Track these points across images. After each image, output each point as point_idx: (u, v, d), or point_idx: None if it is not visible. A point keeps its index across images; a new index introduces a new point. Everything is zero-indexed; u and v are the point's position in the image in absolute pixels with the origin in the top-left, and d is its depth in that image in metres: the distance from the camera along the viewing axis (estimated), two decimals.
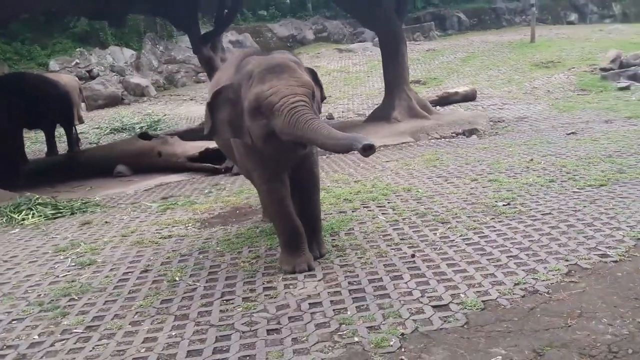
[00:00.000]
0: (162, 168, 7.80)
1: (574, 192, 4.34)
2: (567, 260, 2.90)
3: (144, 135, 8.47)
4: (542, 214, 3.79)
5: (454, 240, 3.42)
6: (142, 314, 2.78)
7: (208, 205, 5.20)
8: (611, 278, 2.65)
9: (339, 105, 15.20)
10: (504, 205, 4.12)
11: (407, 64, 10.74)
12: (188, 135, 9.02)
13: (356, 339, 2.25)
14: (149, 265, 3.52)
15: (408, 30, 27.10)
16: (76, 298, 3.07)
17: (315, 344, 2.24)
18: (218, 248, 3.74)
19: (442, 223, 3.79)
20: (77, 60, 19.96)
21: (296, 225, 3.22)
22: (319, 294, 2.76)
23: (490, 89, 14.74)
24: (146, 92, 20.01)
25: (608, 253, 2.95)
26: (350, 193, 5.02)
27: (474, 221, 3.76)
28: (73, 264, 3.71)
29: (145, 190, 6.79)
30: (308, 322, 2.44)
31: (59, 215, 5.58)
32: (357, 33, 28.00)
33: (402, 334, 2.27)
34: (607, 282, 2.60)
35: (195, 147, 7.86)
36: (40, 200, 6.02)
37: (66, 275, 3.50)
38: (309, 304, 2.64)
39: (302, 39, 26.59)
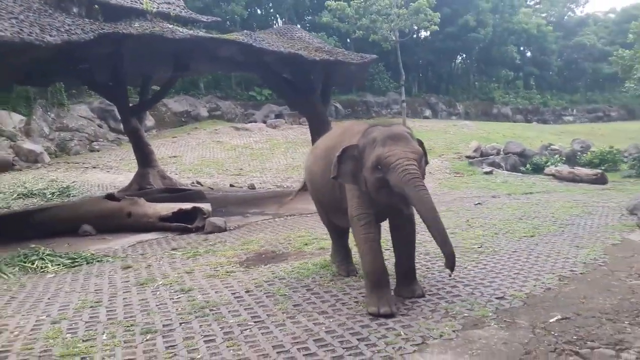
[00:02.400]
0: (130, 227, 8.20)
1: (517, 240, 6.04)
2: (553, 273, 4.44)
3: (110, 197, 8.81)
4: (511, 251, 5.38)
5: (472, 266, 4.80)
6: (287, 313, 3.66)
7: (231, 252, 5.97)
8: (586, 281, 4.22)
9: (253, 178, 16.35)
10: (479, 247, 5.65)
11: None
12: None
13: (466, 313, 3.46)
14: (247, 289, 4.33)
15: (294, 115, 29.79)
16: (215, 309, 3.81)
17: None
18: (291, 276, 4.67)
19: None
20: None
21: (384, 268, 3.80)
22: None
23: None
24: (40, 159, 19.19)
25: (574, 270, 4.56)
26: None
27: (470, 257, 5.21)
28: (174, 290, 4.35)
29: (130, 246, 7.18)
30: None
31: (76, 264, 5.89)
32: (248, 114, 29.85)
33: (496, 309, 3.55)
34: (586, 283, 4.16)
35: (166, 207, 8.44)
36: (48, 252, 6.25)
37: (179, 298, 4.16)
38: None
39: (197, 116, 27.58)
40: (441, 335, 3.12)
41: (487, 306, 3.63)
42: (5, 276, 5.46)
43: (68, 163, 19.38)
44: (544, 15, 41.76)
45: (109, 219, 8.33)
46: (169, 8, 9.60)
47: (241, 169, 18.18)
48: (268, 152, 20.93)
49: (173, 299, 4.16)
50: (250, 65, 11.75)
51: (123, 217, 8.33)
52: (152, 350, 3.10)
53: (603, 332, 3.13)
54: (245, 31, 10.75)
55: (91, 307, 4.05)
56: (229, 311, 3.77)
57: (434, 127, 26.62)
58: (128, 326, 3.53)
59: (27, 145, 19.41)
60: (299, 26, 12.04)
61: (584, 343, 2.97)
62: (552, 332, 3.14)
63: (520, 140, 20.58)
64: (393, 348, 2.94)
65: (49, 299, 4.37)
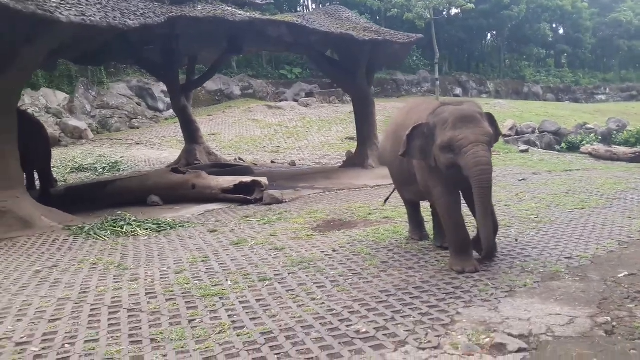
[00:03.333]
0: (194, 199, 8.79)
1: (569, 211, 6.43)
2: (612, 239, 4.86)
3: (175, 170, 9.42)
4: (567, 221, 5.79)
5: (534, 234, 5.25)
6: (378, 267, 4.18)
7: (301, 219, 6.50)
8: None
9: (291, 155, 16.85)
10: (535, 217, 6.07)
11: (376, 121, 12.83)
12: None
13: (540, 269, 3.92)
14: (333, 248, 4.85)
15: (325, 94, 30.15)
16: (313, 264, 4.34)
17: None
18: (368, 240, 5.17)
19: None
20: None
21: (467, 234, 4.09)
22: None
23: None
24: (84, 135, 20.05)
25: (631, 236, 4.97)
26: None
27: (529, 226, 5.63)
28: (269, 249, 4.91)
29: (200, 214, 7.76)
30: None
31: (162, 229, 6.50)
32: (279, 92, 30.29)
33: (567, 266, 4.01)
34: None
35: (228, 180, 9.00)
36: (133, 218, 6.89)
37: (276, 254, 4.71)
38: None
39: (230, 94, 28.12)
40: (525, 285, 3.59)
41: (557, 264, 4.09)
42: (102, 239, 6.10)
43: (111, 139, 20.20)
44: None
45: (175, 190, 8.93)
46: None
47: (278, 146, 18.68)
48: (303, 130, 21.38)
49: (271, 255, 4.71)
50: (298, 46, 12.15)
51: (188, 188, 8.93)
52: (275, 293, 3.65)
53: None
54: (297, 12, 11.12)
55: (202, 261, 4.63)
56: (325, 265, 4.30)
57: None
58: (244, 275, 4.09)
59: (72, 122, 20.25)
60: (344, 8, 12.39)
61: None
62: (622, 285, 3.58)
63: (553, 119, 20.60)
64: (486, 294, 3.43)
65: (158, 255, 4.97)
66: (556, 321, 2.93)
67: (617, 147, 14.96)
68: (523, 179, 9.86)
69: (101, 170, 14.27)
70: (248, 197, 8.65)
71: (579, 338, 2.72)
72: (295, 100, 28.44)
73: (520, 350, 2.58)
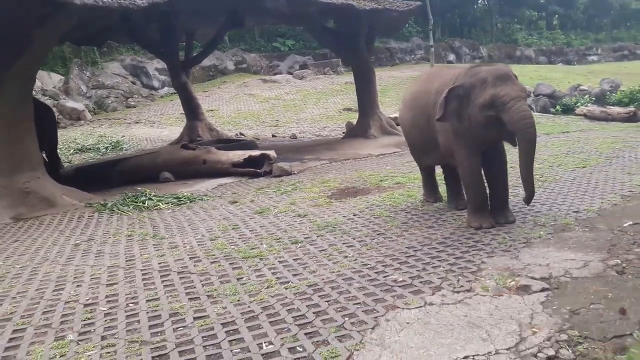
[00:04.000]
0: (205, 174, 9.02)
1: (572, 170, 6.71)
2: (615, 193, 5.17)
3: (185, 146, 9.63)
4: (570, 179, 6.09)
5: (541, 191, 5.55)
6: (400, 228, 4.47)
7: (316, 189, 6.77)
8: None
9: (290, 128, 17.03)
10: (540, 177, 6.38)
11: (377, 90, 13.00)
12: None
13: (552, 223, 4.23)
14: (354, 213, 5.15)
15: (319, 65, 30.08)
16: (337, 227, 4.63)
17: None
18: (385, 204, 5.46)
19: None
20: None
21: (485, 194, 4.35)
22: None
23: None
24: (82, 116, 20.10)
25: (632, 190, 5.28)
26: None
27: (542, 182, 5.94)
28: (292, 216, 5.20)
29: (213, 188, 8.01)
30: None
31: (182, 202, 6.75)
32: (273, 65, 30.19)
33: (576, 219, 4.32)
34: None
35: (238, 155, 9.22)
36: (153, 193, 7.14)
37: (301, 220, 5.00)
38: None
39: (224, 69, 28.03)
40: (539, 237, 3.91)
41: (567, 217, 4.40)
42: (126, 213, 6.35)
43: (109, 119, 20.25)
44: None
45: (186, 166, 9.15)
46: None
47: (277, 120, 18.82)
48: (300, 103, 21.49)
49: (296, 221, 5.00)
50: (296, 17, 12.23)
51: (199, 164, 9.15)
52: (309, 253, 3.94)
53: None
54: None
55: (232, 229, 4.91)
56: (350, 228, 4.59)
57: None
58: (277, 239, 4.38)
59: (70, 103, 20.26)
60: None
61: None
62: (628, 233, 3.90)
63: (547, 82, 20.80)
64: (506, 245, 3.74)
65: (189, 225, 5.24)
66: (572, 265, 3.24)
67: (612, 107, 15.24)
68: None
69: (104, 150, 14.41)
70: (258, 170, 8.88)
71: (594, 278, 3.03)
72: (290, 73, 28.41)
73: (543, 289, 2.89)
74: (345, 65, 30.27)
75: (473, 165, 4.34)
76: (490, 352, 2.23)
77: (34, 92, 19.39)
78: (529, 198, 4.20)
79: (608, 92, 18.19)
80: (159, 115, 20.46)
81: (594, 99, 17.32)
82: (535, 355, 2.19)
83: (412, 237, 4.16)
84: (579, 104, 16.59)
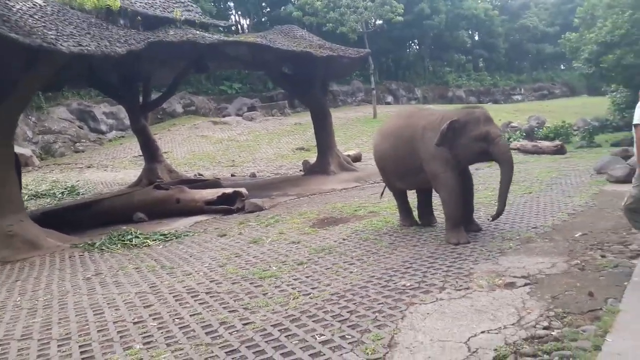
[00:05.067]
0: (178, 213, 9.32)
1: (520, 196, 7.66)
2: (562, 212, 6.07)
3: (157, 186, 9.90)
4: (522, 203, 7.00)
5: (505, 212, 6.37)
6: (389, 248, 5.09)
7: (297, 220, 7.30)
8: (587, 215, 5.87)
9: (247, 168, 17.51)
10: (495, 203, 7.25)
11: (333, 131, 13.81)
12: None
13: (517, 237, 4.99)
14: (342, 238, 5.71)
15: (267, 107, 30.98)
16: (332, 250, 5.18)
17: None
18: (367, 229, 6.08)
19: None
20: None
21: (462, 212, 5.20)
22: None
23: (367, 153, 18.64)
24: (30, 162, 19.68)
25: (575, 209, 6.21)
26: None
27: (493, 208, 6.77)
28: (286, 243, 5.69)
29: (191, 225, 8.35)
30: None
31: (169, 239, 7.07)
32: (221, 108, 30.73)
33: (535, 233, 5.12)
34: (587, 216, 5.82)
35: (211, 192, 9.62)
36: (139, 232, 7.41)
37: (296, 246, 5.50)
38: None
39: (172, 112, 28.24)
40: (510, 247, 4.65)
41: (528, 232, 5.20)
42: (117, 252, 6.60)
43: (58, 165, 19.92)
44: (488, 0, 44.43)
45: (159, 205, 9.40)
46: (189, 14, 10.66)
47: (233, 160, 19.25)
48: (253, 143, 22.05)
49: (292, 247, 5.50)
50: (255, 63, 12.95)
51: (172, 203, 9.43)
52: (317, 271, 4.46)
53: (611, 238, 4.75)
54: (259, 33, 11.92)
55: (235, 256, 5.34)
56: (344, 250, 5.16)
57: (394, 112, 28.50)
58: (282, 262, 4.86)
59: (16, 149, 19.71)
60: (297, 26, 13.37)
61: (603, 244, 4.56)
62: (580, 241, 4.72)
63: None
64: (485, 255, 4.44)
65: (190, 256, 5.61)
66: (543, 266, 3.97)
67: (542, 141, 16.84)
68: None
69: (60, 195, 14.22)
70: (231, 207, 9.27)
71: (562, 274, 3.77)
72: (239, 115, 29.02)
73: (526, 284, 3.58)
74: (292, 107, 31.37)
75: (455, 186, 5.17)
76: (499, 327, 2.86)
77: None
78: (500, 212, 5.12)
79: (536, 128, 20.04)
80: (111, 159, 20.34)
81: (524, 134, 19.01)
82: (534, 327, 2.83)
83: (403, 253, 4.78)
84: (511, 139, 18.15)
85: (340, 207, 8.02)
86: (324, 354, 2.71)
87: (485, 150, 5.06)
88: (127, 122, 26.15)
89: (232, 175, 16.04)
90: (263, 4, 36.75)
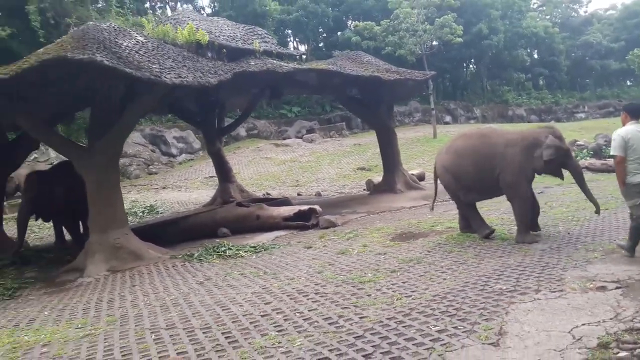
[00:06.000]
0: (257, 228, 9.94)
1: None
2: None
3: (239, 204, 10.62)
4: (600, 219, 7.10)
5: (578, 228, 6.56)
6: (475, 258, 5.41)
7: (375, 234, 7.71)
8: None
9: (312, 187, 18.12)
10: (573, 218, 7.41)
11: (399, 150, 14.21)
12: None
13: (600, 248, 5.20)
14: (427, 250, 6.09)
15: (325, 129, 31.76)
16: (420, 260, 5.57)
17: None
18: (449, 242, 6.42)
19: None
20: (36, 155, 20.65)
21: (530, 217, 6.10)
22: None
23: (430, 172, 18.84)
24: None
25: None
26: None
27: (571, 224, 6.95)
28: (373, 254, 6.13)
29: (273, 240, 8.92)
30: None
31: (259, 251, 7.67)
32: (282, 131, 31.82)
33: (616, 246, 5.31)
34: None
35: (288, 209, 10.22)
36: (231, 244, 8.07)
37: (384, 257, 5.93)
38: None
39: (236, 136, 29.49)
40: (596, 257, 4.89)
41: (610, 244, 5.40)
42: (214, 262, 7.24)
43: (134, 186, 21.30)
44: (548, 17, 43.81)
45: (241, 222, 10.08)
46: (266, 45, 11.46)
47: (297, 180, 19.94)
48: (315, 164, 22.75)
49: (380, 258, 5.93)
50: (323, 88, 13.62)
51: (253, 219, 10.09)
52: (411, 278, 4.87)
53: None
54: (329, 60, 12.60)
55: (329, 264, 5.83)
56: (432, 260, 5.53)
57: (460, 131, 28.54)
58: (375, 270, 5.30)
59: None
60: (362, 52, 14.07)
61: None
62: None
63: None
64: (573, 264, 4.71)
65: (286, 265, 6.15)
66: (632, 273, 4.21)
67: (610, 159, 16.52)
68: (541, 192, 11.22)
69: (141, 213, 15.28)
70: (306, 223, 9.81)
71: None
72: (299, 137, 29.98)
73: (617, 287, 3.85)
74: (349, 128, 32.04)
75: (528, 196, 6.07)
76: (599, 321, 3.17)
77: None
78: (598, 206, 5.85)
79: (603, 146, 19.60)
80: (183, 180, 21.54)
81: (592, 152, 18.66)
82: (632, 321, 3.13)
83: (491, 263, 5.11)
84: (579, 158, 17.88)
85: (416, 224, 8.37)
86: (442, 340, 3.12)
87: (564, 163, 5.79)
88: (196, 145, 27.80)
89: (299, 194, 16.66)
90: (320, 30, 37.89)
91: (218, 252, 7.76)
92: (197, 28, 9.73)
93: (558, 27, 41.10)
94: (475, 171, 6.22)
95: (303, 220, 9.91)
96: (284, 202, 12.43)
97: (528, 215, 6.00)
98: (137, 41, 8.42)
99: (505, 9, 36.48)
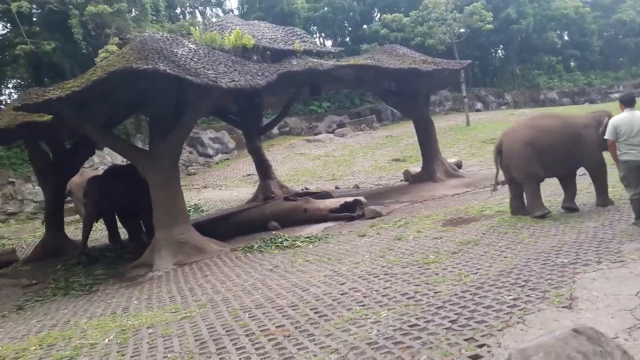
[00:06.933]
0: (305, 221, 10.34)
1: None
2: None
3: (286, 198, 11.07)
4: None
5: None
6: (530, 237, 5.69)
7: (425, 221, 8.01)
8: None
9: (348, 180, 18.46)
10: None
11: (437, 139, 14.42)
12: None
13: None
14: (482, 232, 6.38)
15: (355, 123, 32.01)
16: (477, 242, 5.87)
17: None
18: (501, 225, 6.69)
19: None
20: None
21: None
22: None
23: (467, 160, 18.96)
24: None
25: None
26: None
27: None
28: (429, 239, 6.46)
29: (323, 231, 9.29)
30: None
31: (314, 240, 8.07)
32: (312, 127, 32.23)
33: None
34: None
35: (334, 201, 10.60)
36: (287, 236, 8.53)
37: (441, 240, 6.25)
38: None
39: (269, 134, 29.91)
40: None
41: None
42: (274, 252, 7.69)
43: None
44: None
45: (289, 215, 10.52)
46: (305, 45, 11.85)
47: (333, 174, 20.31)
48: (349, 157, 23.07)
49: (437, 242, 6.25)
50: (359, 82, 13.93)
51: (300, 212, 10.51)
52: (473, 258, 5.19)
53: None
54: (366, 54, 12.92)
55: (389, 249, 6.19)
56: (489, 242, 5.83)
57: (494, 118, 28.38)
58: (435, 252, 5.64)
59: None
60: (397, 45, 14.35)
61: None
62: None
63: None
64: (627, 238, 4.95)
65: (346, 251, 6.54)
66: None
67: None
68: (583, 174, 11.31)
69: (188, 212, 15.85)
70: (352, 215, 10.18)
71: None
72: (329, 132, 30.33)
73: None
74: (380, 121, 32.25)
75: (605, 164, 6.79)
76: None
77: (106, 167, 21.41)
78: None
79: None
80: (222, 179, 22.19)
81: None
82: None
83: (547, 241, 5.39)
84: None
85: (464, 209, 8.63)
86: (519, 306, 3.46)
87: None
88: (231, 145, 28.49)
89: (337, 188, 16.96)
90: (345, 24, 38.08)
91: (276, 243, 8.22)
92: (242, 33, 10.17)
93: (589, 7, 40.23)
94: (562, 148, 6.72)
95: (348, 212, 10.28)
96: (325, 195, 12.80)
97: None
98: (190, 49, 8.90)
99: None
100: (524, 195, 7.10)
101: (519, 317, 3.26)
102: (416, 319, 3.55)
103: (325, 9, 33.09)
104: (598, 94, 38.85)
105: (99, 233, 13.57)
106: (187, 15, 32.33)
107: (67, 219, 13.85)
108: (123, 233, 11.86)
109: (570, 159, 6.86)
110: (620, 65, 42.02)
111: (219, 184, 21.27)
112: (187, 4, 32.26)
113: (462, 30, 29.79)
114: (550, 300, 3.48)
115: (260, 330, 3.81)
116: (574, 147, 6.76)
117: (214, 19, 33.03)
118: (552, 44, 37.76)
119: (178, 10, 30.92)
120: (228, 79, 8.31)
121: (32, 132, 10.13)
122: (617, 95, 38.86)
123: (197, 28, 10.83)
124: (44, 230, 11.92)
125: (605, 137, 5.76)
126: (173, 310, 4.97)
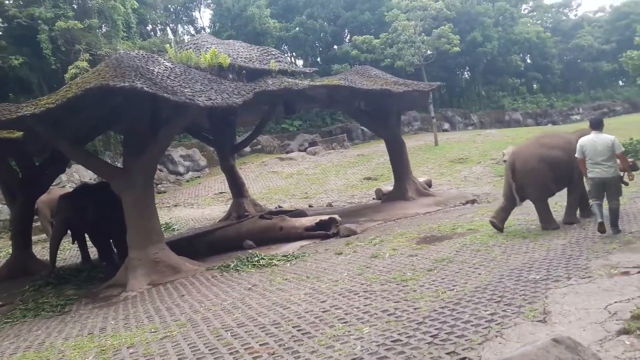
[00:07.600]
0: (280, 239, 10.40)
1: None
2: None
3: (262, 216, 11.10)
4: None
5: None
6: (502, 255, 5.89)
7: (400, 239, 8.17)
8: None
9: (321, 199, 18.57)
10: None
11: (408, 158, 14.73)
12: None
13: (617, 240, 5.71)
14: (456, 250, 6.56)
15: (327, 142, 32.31)
16: (452, 259, 6.04)
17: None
18: (475, 242, 6.90)
19: None
20: None
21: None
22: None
23: (436, 180, 19.37)
24: None
25: None
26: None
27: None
28: (405, 256, 6.60)
29: (299, 249, 9.37)
30: None
31: (290, 259, 8.12)
32: (284, 145, 32.36)
33: (633, 237, 5.81)
34: None
35: (310, 220, 10.69)
36: (263, 255, 8.54)
37: (416, 257, 6.40)
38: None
39: (241, 151, 29.90)
40: (614, 248, 5.39)
41: (626, 236, 5.90)
42: (250, 270, 7.69)
43: None
44: (539, 22, 44.76)
45: (265, 233, 10.55)
46: (280, 64, 12.01)
47: (306, 192, 20.40)
48: (321, 175, 23.23)
49: (413, 259, 6.40)
50: (332, 102, 14.16)
51: (276, 230, 10.56)
52: (448, 275, 5.34)
53: None
54: (339, 75, 13.16)
55: (366, 267, 6.30)
56: (463, 259, 6.01)
57: (460, 138, 29.10)
58: (412, 269, 5.79)
59: None
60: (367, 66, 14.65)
61: None
62: None
63: None
64: (595, 255, 5.20)
65: (324, 269, 6.61)
66: None
67: None
68: None
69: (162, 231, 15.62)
70: (328, 232, 10.29)
71: None
72: (301, 150, 30.50)
73: (639, 272, 4.34)
74: (351, 140, 32.63)
75: (582, 183, 7.17)
76: (629, 299, 3.66)
77: (73, 185, 20.90)
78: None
79: None
80: (194, 197, 21.98)
81: None
82: None
83: (519, 258, 5.60)
84: None
85: (437, 227, 8.84)
86: (496, 320, 3.61)
87: None
88: (202, 163, 28.32)
89: (310, 206, 17.05)
90: (317, 45, 38.63)
91: (252, 262, 8.21)
92: (218, 52, 10.26)
93: (550, 32, 42.01)
94: (566, 164, 7.06)
95: (324, 230, 10.37)
96: (300, 213, 12.87)
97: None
98: (166, 67, 8.93)
99: (497, 16, 37.34)
100: (536, 211, 7.42)
101: (497, 331, 3.41)
102: (398, 334, 3.65)
103: (297, 29, 33.55)
104: (560, 115, 40.36)
105: (67, 252, 13.26)
106: (158, 32, 32.23)
107: (33, 237, 13.48)
108: (93, 253, 11.62)
109: (571, 174, 7.21)
110: (580, 89, 43.87)
111: (190, 202, 21.07)
112: (159, 21, 32.20)
113: (430, 52, 30.61)
114: (525, 314, 3.65)
115: (244, 349, 3.84)
116: (571, 163, 7.06)
117: (185, 37, 33.06)
118: (516, 66, 39.16)
119: (149, 27, 30.79)
120: (205, 97, 8.36)
121: (1, 148, 9.92)
122: (577, 117, 40.53)
123: (172, 46, 10.85)
124: (11, 249, 11.58)
125: (576, 155, 6.37)
126: (152, 330, 4.94)
